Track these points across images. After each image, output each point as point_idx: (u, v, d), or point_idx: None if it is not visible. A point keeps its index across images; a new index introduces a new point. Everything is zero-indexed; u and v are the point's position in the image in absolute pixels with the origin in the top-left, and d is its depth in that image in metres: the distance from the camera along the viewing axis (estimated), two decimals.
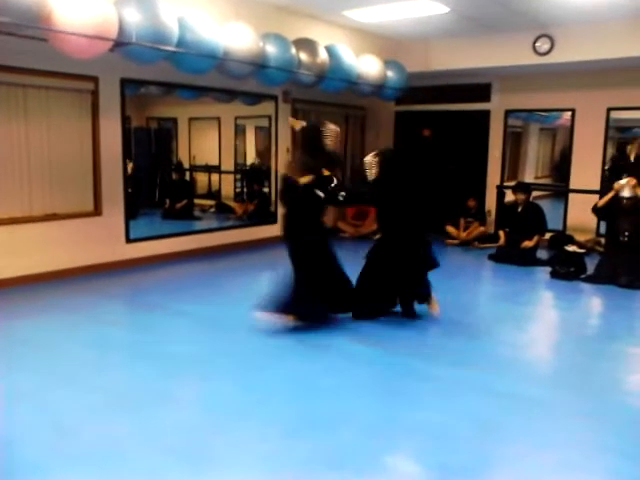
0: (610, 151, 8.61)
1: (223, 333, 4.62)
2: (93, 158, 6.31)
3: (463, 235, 8.74)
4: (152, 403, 3.34)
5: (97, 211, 6.41)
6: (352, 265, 5.04)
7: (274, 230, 8.55)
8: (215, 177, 11.17)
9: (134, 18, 4.96)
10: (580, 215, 8.46)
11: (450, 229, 8.87)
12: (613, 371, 4.07)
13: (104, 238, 6.50)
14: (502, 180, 9.29)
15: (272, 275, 5.59)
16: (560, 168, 9.94)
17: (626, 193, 6.51)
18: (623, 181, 6.58)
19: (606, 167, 8.53)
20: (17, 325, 4.64)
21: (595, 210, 6.81)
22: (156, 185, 10.66)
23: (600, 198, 6.99)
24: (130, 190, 6.92)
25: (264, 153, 9.27)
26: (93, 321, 4.79)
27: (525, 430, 3.10)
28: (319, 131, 4.99)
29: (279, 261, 5.53)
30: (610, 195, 6.65)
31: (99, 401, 3.35)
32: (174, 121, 11.10)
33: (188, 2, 5.88)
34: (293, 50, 6.52)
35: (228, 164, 10.86)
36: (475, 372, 3.87)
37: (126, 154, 6.70)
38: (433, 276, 5.13)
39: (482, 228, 8.77)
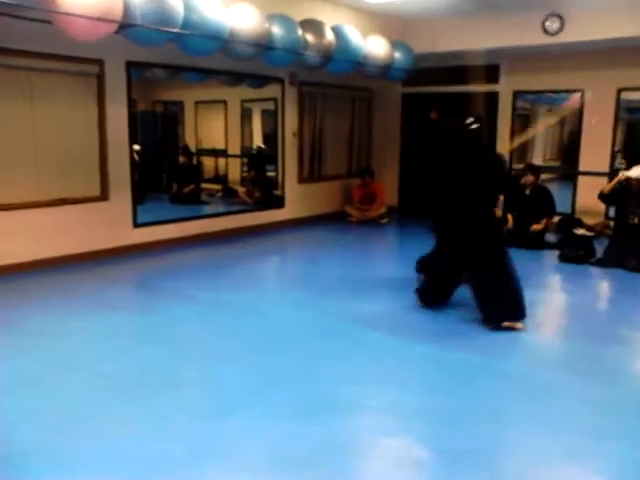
0: (620, 133, 8.51)
1: (231, 317, 4.62)
2: (99, 142, 6.28)
3: None
4: (159, 388, 3.34)
5: (104, 196, 6.39)
6: (358, 249, 5.01)
7: (281, 214, 8.54)
8: (222, 161, 11.13)
9: None
10: (589, 198, 8.39)
11: None
12: (622, 356, 4.04)
13: (111, 223, 6.49)
14: (510, 163, 9.20)
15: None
16: (566, 148, 9.84)
17: (633, 173, 6.40)
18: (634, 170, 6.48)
19: (616, 149, 8.44)
20: (24, 310, 4.65)
21: (602, 197, 6.73)
22: (163, 169, 10.63)
23: (609, 182, 6.92)
24: (137, 175, 6.90)
25: (270, 137, 9.21)
26: (100, 306, 4.80)
27: (533, 415, 3.08)
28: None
29: (286, 246, 5.56)
30: (616, 180, 6.57)
31: (106, 386, 3.36)
32: (180, 105, 11.06)
33: None
34: (299, 31, 6.45)
35: (235, 148, 10.81)
36: (482, 356, 3.86)
37: (132, 138, 6.67)
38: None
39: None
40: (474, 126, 4.76)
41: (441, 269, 4.82)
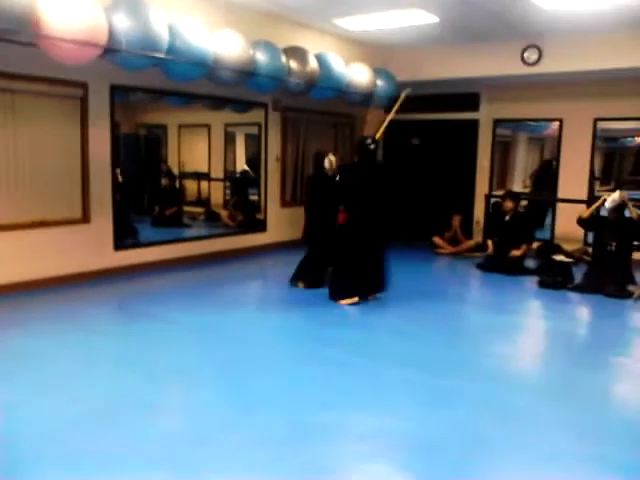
0: (598, 160, 8.69)
1: (211, 342, 4.59)
2: (82, 165, 6.26)
3: (450, 249, 8.75)
4: (139, 412, 3.31)
5: (85, 218, 6.36)
6: None
7: (263, 238, 8.55)
8: (205, 184, 11.14)
9: (124, 24, 4.96)
10: (568, 225, 8.52)
11: (437, 240, 8.89)
12: (601, 381, 4.08)
13: (92, 245, 6.46)
14: (491, 189, 9.33)
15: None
16: (541, 178, 10.04)
17: (608, 202, 6.49)
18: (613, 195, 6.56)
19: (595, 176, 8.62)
20: (3, 333, 4.59)
21: (580, 222, 6.81)
22: (145, 192, 10.60)
23: (587, 208, 7.02)
24: (119, 197, 6.88)
25: (254, 161, 9.25)
26: (80, 330, 4.75)
27: (512, 441, 3.10)
28: None
29: (268, 269, 5.58)
30: (595, 206, 6.67)
31: (86, 411, 3.31)
32: (164, 128, 11.06)
33: (178, 9, 5.90)
34: (283, 58, 6.54)
35: (218, 171, 10.83)
36: (462, 382, 3.87)
37: (115, 161, 6.66)
38: (421, 283, 5.12)
39: (472, 242, 8.79)
40: (372, 146, 5.81)
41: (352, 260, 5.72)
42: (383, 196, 5.86)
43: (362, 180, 5.79)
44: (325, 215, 6.20)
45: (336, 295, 5.72)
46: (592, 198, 8.53)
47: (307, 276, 6.26)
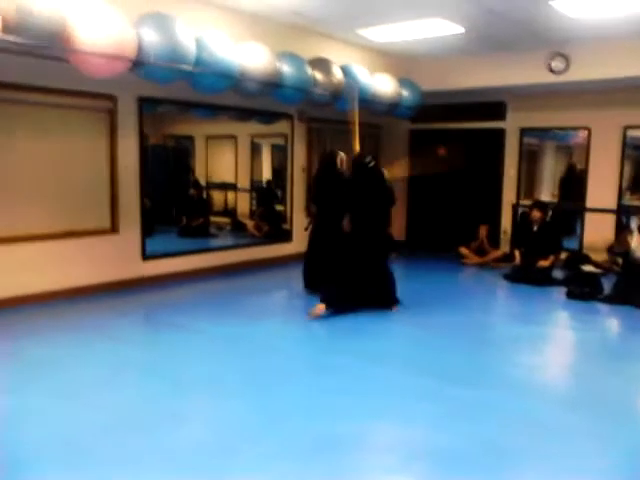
0: (627, 169, 8.56)
1: (237, 351, 4.62)
2: (110, 176, 6.38)
3: (477, 259, 8.68)
4: (165, 422, 3.34)
5: (114, 228, 6.46)
6: None
7: (289, 248, 8.58)
8: (231, 195, 11.24)
9: (152, 38, 5.06)
10: (597, 234, 8.40)
11: (463, 250, 8.83)
12: (630, 394, 4.01)
13: (121, 255, 6.55)
14: (518, 199, 9.25)
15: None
16: (567, 186, 9.94)
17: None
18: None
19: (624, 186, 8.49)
20: (32, 342, 4.68)
21: (610, 252, 6.73)
22: (173, 202, 10.73)
23: (616, 220, 6.88)
24: (147, 207, 6.97)
25: (280, 172, 9.31)
26: (108, 339, 4.81)
27: (539, 454, 3.05)
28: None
29: (293, 279, 5.60)
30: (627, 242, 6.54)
31: (111, 420, 3.35)
32: (191, 139, 11.20)
33: (205, 22, 5.99)
34: (308, 69, 6.59)
35: (244, 182, 10.92)
36: (489, 393, 3.83)
37: (144, 172, 6.76)
38: (447, 294, 5.08)
39: (499, 252, 8.71)
40: (372, 164, 5.98)
41: (344, 275, 5.71)
42: (382, 212, 5.94)
43: (362, 197, 5.83)
44: (335, 214, 6.11)
45: (321, 298, 5.63)
46: (621, 207, 8.43)
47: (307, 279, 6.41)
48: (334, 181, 6.27)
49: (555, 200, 9.83)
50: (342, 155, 6.40)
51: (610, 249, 6.65)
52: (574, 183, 9.29)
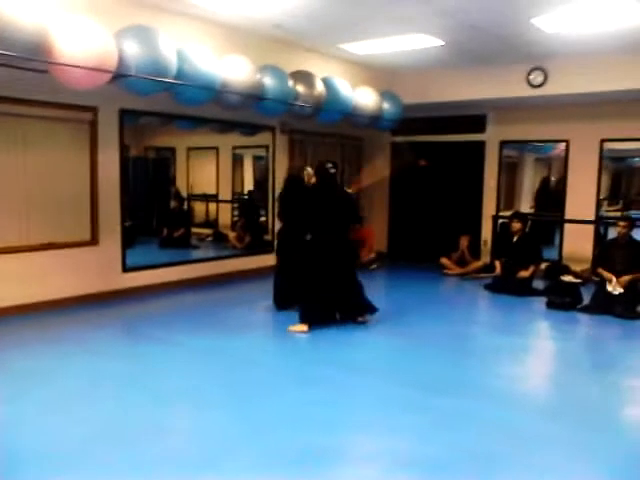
0: (605, 180, 8.70)
1: (217, 364, 4.60)
2: (91, 188, 6.34)
3: (458, 270, 8.74)
4: (145, 434, 3.31)
5: (94, 240, 6.41)
6: None
7: (271, 259, 8.54)
8: (213, 206, 11.21)
9: (133, 50, 5.05)
10: (576, 245, 8.51)
11: (444, 261, 8.89)
12: (610, 403, 4.05)
13: (101, 267, 6.50)
14: (498, 210, 9.34)
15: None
16: (542, 198, 10.11)
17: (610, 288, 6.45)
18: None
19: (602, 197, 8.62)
20: (10, 355, 4.62)
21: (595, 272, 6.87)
22: (154, 214, 10.68)
23: (595, 231, 6.96)
24: (128, 223, 6.93)
25: (261, 183, 9.32)
26: (87, 352, 4.76)
27: (521, 463, 3.07)
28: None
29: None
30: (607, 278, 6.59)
31: (91, 432, 3.32)
32: (172, 150, 11.17)
33: (187, 35, 6.00)
34: (290, 82, 6.62)
35: (226, 193, 10.90)
36: (471, 403, 3.85)
37: (124, 184, 6.72)
38: (428, 304, 5.09)
39: (480, 262, 8.78)
40: (332, 170, 5.78)
41: (315, 288, 5.61)
42: (345, 220, 5.81)
43: (323, 203, 5.72)
44: (302, 230, 5.95)
45: (300, 317, 5.60)
46: (599, 218, 8.55)
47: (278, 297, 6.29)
48: (301, 197, 6.02)
49: (532, 211, 9.97)
50: (309, 170, 6.23)
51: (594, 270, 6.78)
52: (548, 195, 9.46)
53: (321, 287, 5.60)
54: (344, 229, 5.79)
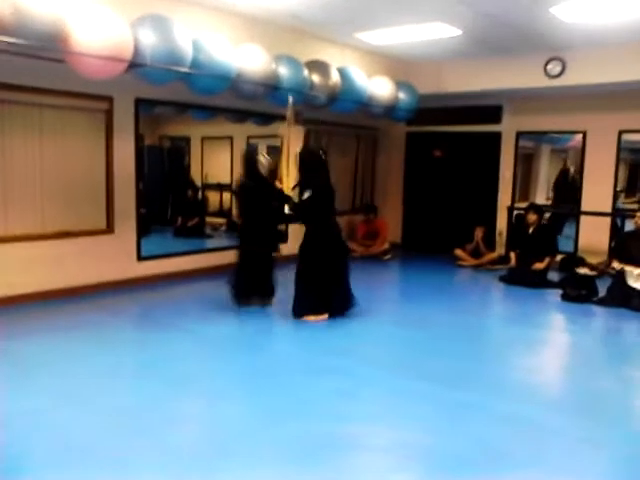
0: (622, 172, 8.60)
1: (232, 352, 4.63)
2: (106, 176, 6.37)
3: (472, 261, 8.69)
4: (159, 423, 3.34)
5: (109, 229, 6.46)
6: (363, 283, 5.03)
7: (284, 249, 8.55)
8: (227, 195, 11.22)
9: (149, 40, 5.05)
10: (592, 237, 8.43)
11: (459, 252, 8.84)
12: (624, 397, 4.02)
13: (116, 256, 6.54)
14: (513, 201, 9.28)
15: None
16: (563, 189, 10.01)
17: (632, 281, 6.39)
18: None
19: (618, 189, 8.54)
20: (27, 343, 4.67)
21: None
22: (168, 203, 10.72)
23: (611, 223, 6.89)
24: (143, 210, 6.97)
25: (276, 172, 9.30)
26: (102, 339, 4.81)
27: (533, 456, 3.06)
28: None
29: (288, 280, 5.58)
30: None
31: (106, 420, 3.35)
32: (187, 140, 11.20)
33: (202, 24, 5.99)
34: (305, 72, 6.59)
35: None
36: (485, 396, 3.84)
37: (139, 172, 6.75)
38: (442, 296, 5.06)
39: (494, 254, 8.72)
40: (324, 157, 5.80)
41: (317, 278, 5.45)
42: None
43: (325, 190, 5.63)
44: (264, 220, 5.82)
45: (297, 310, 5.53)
46: (616, 210, 8.47)
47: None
48: (259, 188, 5.76)
49: (549, 203, 9.88)
50: (262, 159, 5.88)
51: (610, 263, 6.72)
52: (567, 187, 9.35)
53: (321, 277, 5.46)
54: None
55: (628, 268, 6.41)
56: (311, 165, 5.63)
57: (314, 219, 5.55)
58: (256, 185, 5.74)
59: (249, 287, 5.88)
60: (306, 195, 5.51)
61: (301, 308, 5.50)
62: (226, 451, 3.04)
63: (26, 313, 5.47)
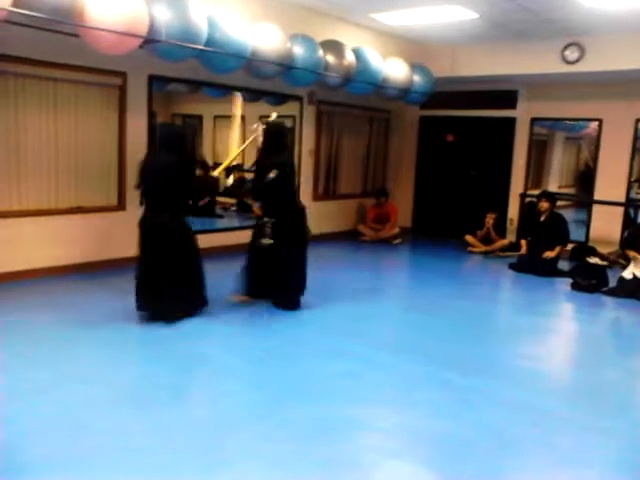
0: (638, 161, 8.50)
1: (238, 333, 4.64)
2: (119, 153, 6.37)
3: (482, 247, 8.64)
4: (166, 401, 3.37)
5: (121, 205, 6.47)
6: (372, 268, 5.02)
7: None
8: (238, 175, 11.19)
9: (164, 16, 5.02)
10: (604, 227, 8.37)
11: (469, 239, 8.80)
12: (631, 386, 4.02)
13: (127, 233, 6.54)
14: (526, 188, 9.22)
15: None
16: (587, 179, 9.86)
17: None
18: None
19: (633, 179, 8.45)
20: (35, 317, 4.71)
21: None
22: None
23: (624, 213, 6.84)
24: None
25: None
26: (111, 317, 4.82)
27: (541, 444, 3.07)
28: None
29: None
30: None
31: (113, 398, 3.38)
32: (199, 118, 11.15)
33: (218, 1, 5.93)
34: (320, 52, 6.54)
35: (251, 163, 10.87)
36: (492, 383, 3.84)
37: (151, 149, 6.73)
38: (451, 282, 5.02)
39: (505, 241, 8.66)
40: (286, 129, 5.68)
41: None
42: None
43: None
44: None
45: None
46: (629, 200, 8.39)
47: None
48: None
49: (562, 190, 9.79)
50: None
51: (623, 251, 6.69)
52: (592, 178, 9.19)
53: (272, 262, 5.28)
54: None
55: None
56: (278, 142, 5.26)
57: (279, 202, 5.27)
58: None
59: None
60: (271, 176, 5.07)
61: (297, 293, 5.33)
62: (231, 429, 3.06)
63: (35, 288, 5.52)
